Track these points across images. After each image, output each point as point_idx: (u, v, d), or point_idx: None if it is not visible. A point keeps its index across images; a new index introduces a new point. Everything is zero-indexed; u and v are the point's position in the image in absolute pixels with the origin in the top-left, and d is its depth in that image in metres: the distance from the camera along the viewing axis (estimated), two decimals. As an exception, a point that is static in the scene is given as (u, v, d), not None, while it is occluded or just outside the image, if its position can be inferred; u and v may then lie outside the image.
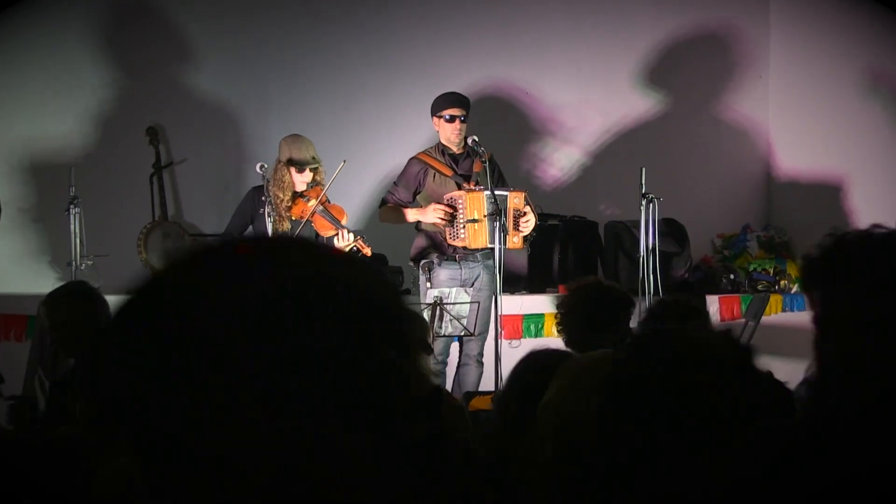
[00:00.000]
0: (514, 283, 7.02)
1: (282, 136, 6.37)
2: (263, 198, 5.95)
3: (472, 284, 6.12)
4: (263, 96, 7.69)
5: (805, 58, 7.93)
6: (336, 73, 7.72)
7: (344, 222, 6.02)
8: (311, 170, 6.09)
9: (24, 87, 7.39)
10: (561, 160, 8.01)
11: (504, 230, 5.99)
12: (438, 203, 6.10)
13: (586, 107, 8.01)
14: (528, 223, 6.11)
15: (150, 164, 7.34)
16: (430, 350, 5.17)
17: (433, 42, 7.82)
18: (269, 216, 5.87)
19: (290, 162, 6.07)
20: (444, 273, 6.15)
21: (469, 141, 6.11)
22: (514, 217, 6.07)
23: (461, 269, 6.17)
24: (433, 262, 6.15)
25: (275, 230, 5.91)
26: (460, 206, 6.05)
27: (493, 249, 6.09)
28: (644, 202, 6.18)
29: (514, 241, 6.10)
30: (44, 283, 6.97)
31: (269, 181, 6.01)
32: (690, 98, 8.12)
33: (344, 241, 5.93)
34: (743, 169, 8.20)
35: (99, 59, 7.49)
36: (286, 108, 7.61)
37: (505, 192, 6.09)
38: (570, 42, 7.97)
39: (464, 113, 6.25)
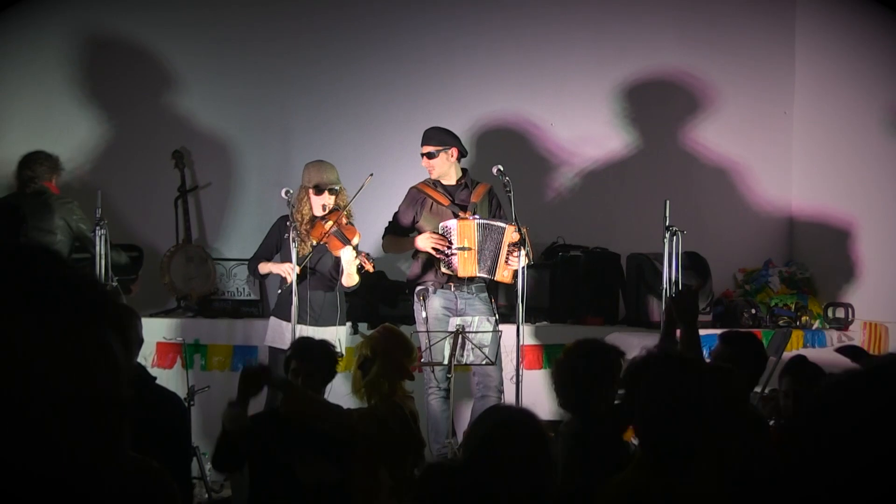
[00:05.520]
0: (534, 313, 7.02)
1: (304, 162, 6.42)
2: (289, 223, 6.00)
3: (466, 313, 6.11)
4: (287, 123, 7.74)
5: (830, 95, 7.93)
6: (359, 101, 7.77)
7: (354, 242, 6.07)
8: (330, 192, 6.15)
9: (53, 108, 7.46)
10: (583, 191, 8.02)
11: (495, 261, 6.01)
12: (434, 231, 6.15)
13: (609, 139, 8.03)
14: (518, 259, 5.93)
15: (176, 187, 7.39)
16: None
17: (456, 71, 7.86)
18: (293, 241, 5.91)
19: (310, 185, 6.15)
20: (437, 300, 6.16)
21: (494, 170, 6.11)
22: (508, 251, 6.07)
23: (456, 298, 6.18)
24: (427, 290, 6.16)
25: (298, 254, 5.94)
26: (452, 235, 6.09)
27: (487, 279, 6.12)
28: (668, 235, 6.14)
29: (504, 274, 6.10)
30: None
31: (293, 206, 6.05)
32: (715, 132, 8.13)
33: (350, 256, 5.98)
34: (766, 204, 8.18)
35: (128, 83, 7.56)
36: (309, 135, 7.66)
37: (503, 225, 6.10)
38: (593, 74, 8.00)
39: (429, 150, 6.28)
